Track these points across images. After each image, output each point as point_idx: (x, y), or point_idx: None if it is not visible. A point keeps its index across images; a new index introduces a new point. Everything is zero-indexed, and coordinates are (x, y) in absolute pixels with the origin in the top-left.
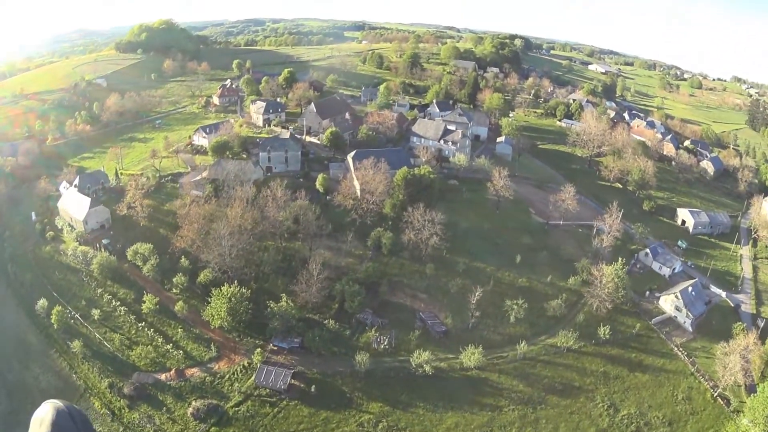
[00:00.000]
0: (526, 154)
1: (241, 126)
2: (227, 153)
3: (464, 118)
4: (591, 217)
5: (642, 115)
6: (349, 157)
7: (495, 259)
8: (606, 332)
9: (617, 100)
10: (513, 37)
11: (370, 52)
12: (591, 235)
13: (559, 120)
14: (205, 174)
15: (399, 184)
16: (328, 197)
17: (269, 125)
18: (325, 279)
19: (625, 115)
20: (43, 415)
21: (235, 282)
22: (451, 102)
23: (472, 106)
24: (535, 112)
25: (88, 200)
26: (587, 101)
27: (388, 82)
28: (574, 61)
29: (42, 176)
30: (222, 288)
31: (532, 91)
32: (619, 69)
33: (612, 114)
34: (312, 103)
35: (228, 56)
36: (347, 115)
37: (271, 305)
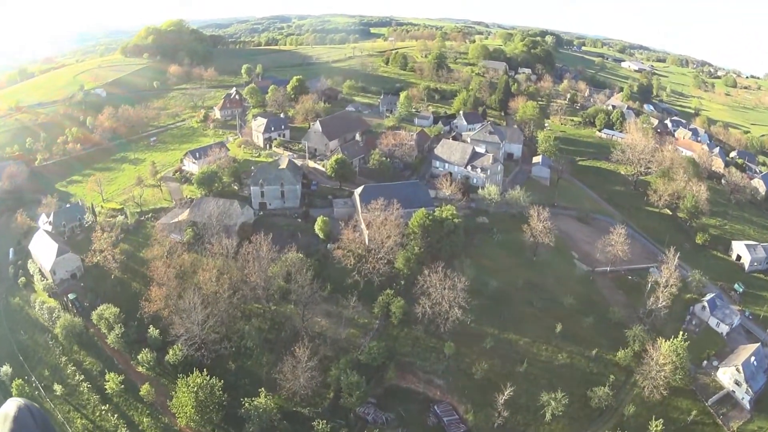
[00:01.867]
0: (566, 175)
1: (239, 146)
2: (216, 185)
3: (495, 137)
4: (641, 257)
5: (684, 122)
6: (357, 194)
7: (531, 328)
8: (658, 427)
9: (654, 101)
10: (543, 33)
11: (393, 52)
12: (643, 283)
13: (599, 130)
14: (184, 216)
15: (415, 232)
16: (329, 245)
17: (270, 146)
18: (319, 362)
19: (668, 122)
20: (7, 410)
21: (209, 361)
22: (480, 110)
23: (503, 113)
24: (572, 120)
25: (55, 247)
26: (628, 108)
27: (410, 88)
28: (607, 58)
29: (24, 206)
30: (188, 377)
31: (568, 96)
32: (652, 66)
33: (655, 122)
34: (318, 121)
35: (242, 58)
36: (358, 136)
37: (246, 404)
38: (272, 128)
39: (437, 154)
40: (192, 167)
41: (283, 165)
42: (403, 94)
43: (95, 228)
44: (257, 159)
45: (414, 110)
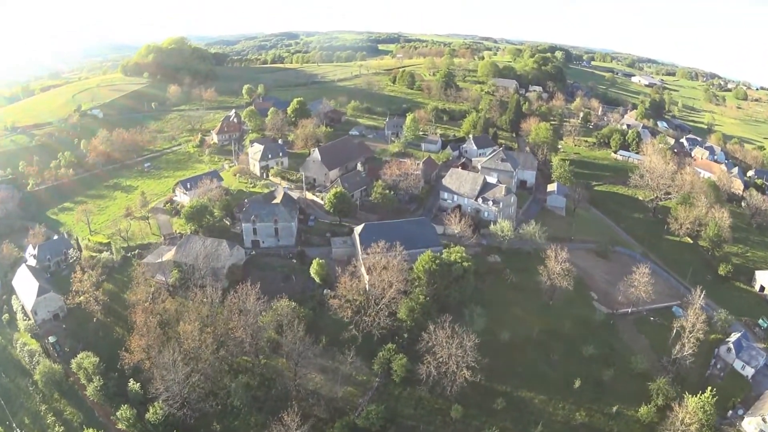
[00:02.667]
0: (583, 203)
1: (235, 175)
2: (206, 219)
3: (508, 165)
4: (663, 294)
5: (699, 139)
6: (357, 232)
7: (546, 384)
8: None
9: (667, 117)
10: (553, 48)
11: (401, 70)
12: (666, 325)
13: (615, 151)
14: (170, 256)
15: (420, 277)
16: (325, 291)
17: (266, 175)
18: (311, 428)
19: (683, 141)
20: None
21: (193, 421)
22: (491, 133)
23: (514, 135)
24: (586, 141)
25: (36, 286)
26: (644, 127)
27: (417, 110)
28: (617, 73)
29: (13, 234)
30: None
31: (581, 115)
32: (662, 80)
33: (671, 142)
34: (316, 149)
35: (245, 77)
36: (359, 165)
37: None
38: (269, 156)
39: (446, 185)
40: (183, 198)
41: (278, 198)
42: (409, 117)
43: (75, 268)
44: (252, 190)
45: (421, 133)
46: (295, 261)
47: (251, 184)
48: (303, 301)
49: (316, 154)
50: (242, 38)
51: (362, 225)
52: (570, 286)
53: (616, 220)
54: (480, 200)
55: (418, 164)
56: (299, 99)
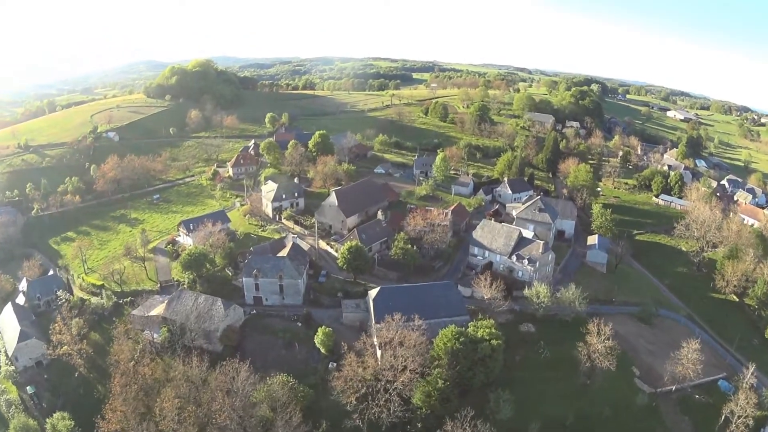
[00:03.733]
0: (626, 257)
1: (245, 215)
2: (206, 268)
3: (546, 216)
4: (708, 364)
5: (740, 180)
6: (371, 297)
7: None
8: None
9: (704, 154)
10: (589, 81)
11: (433, 102)
12: (712, 404)
13: (656, 195)
14: (159, 311)
15: (441, 356)
16: (331, 364)
17: (279, 218)
18: None
19: (725, 182)
20: None
21: None
22: (527, 175)
23: (550, 175)
24: (626, 183)
25: (17, 330)
26: (685, 168)
27: (449, 147)
28: (652, 107)
29: (12, 261)
30: None
31: (620, 154)
32: (696, 115)
33: (714, 185)
34: (333, 192)
35: (272, 103)
36: (380, 214)
37: None
38: (283, 196)
39: (476, 239)
40: (186, 240)
41: (286, 249)
42: (439, 156)
43: (57, 316)
44: (261, 234)
45: (452, 172)
46: (300, 324)
47: (261, 227)
48: (304, 376)
49: (332, 198)
50: (277, 62)
51: (377, 289)
52: (612, 366)
53: (659, 276)
54: (514, 258)
55: (446, 213)
56: (322, 132)
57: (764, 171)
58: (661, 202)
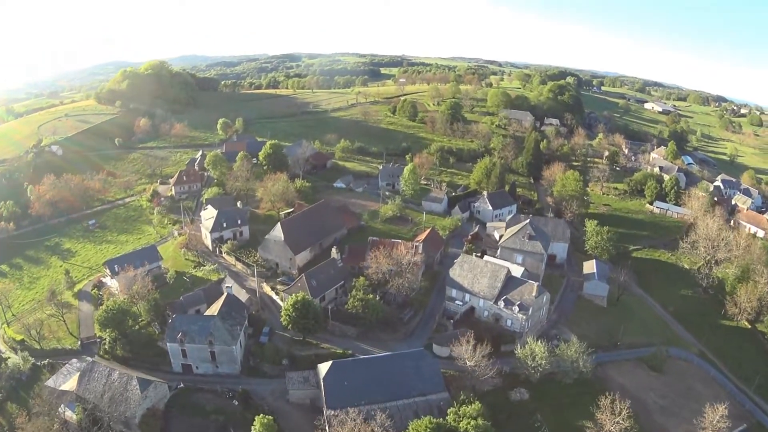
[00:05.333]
0: (630, 284)
1: (181, 248)
2: (128, 324)
3: (537, 244)
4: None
5: (734, 180)
6: (321, 374)
7: None
8: None
9: (688, 149)
10: (563, 74)
11: (402, 100)
12: None
13: (650, 202)
14: (71, 385)
15: None
16: None
17: (219, 251)
18: None
19: (719, 183)
20: None
21: None
22: (507, 185)
23: (531, 180)
24: (616, 188)
25: None
26: (679, 170)
27: (419, 153)
28: (629, 99)
29: None
30: None
31: (605, 154)
32: (675, 106)
33: (710, 188)
34: (279, 225)
35: (230, 106)
36: (334, 252)
37: None
38: (224, 224)
39: (454, 279)
40: (113, 284)
41: (218, 304)
42: (407, 169)
43: None
44: (196, 274)
45: (423, 182)
46: (236, 402)
47: (197, 265)
48: None
49: (277, 231)
50: (244, 59)
51: (329, 364)
52: None
53: (662, 301)
54: (501, 303)
55: (416, 247)
56: (273, 142)
57: (751, 165)
58: (656, 210)
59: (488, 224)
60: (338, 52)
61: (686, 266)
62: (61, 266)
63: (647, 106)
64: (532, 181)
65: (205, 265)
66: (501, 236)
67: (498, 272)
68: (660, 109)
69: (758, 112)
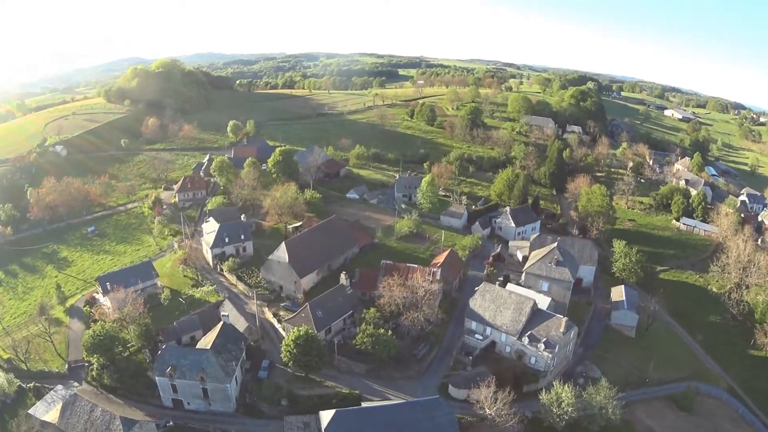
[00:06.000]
0: (660, 312)
1: (179, 264)
2: (117, 350)
3: (565, 271)
4: None
5: (759, 194)
6: (323, 422)
7: None
8: None
9: (710, 158)
10: (584, 79)
11: (420, 103)
12: None
13: (677, 218)
14: (53, 417)
15: None
16: None
17: (220, 269)
18: None
19: (744, 198)
20: None
21: None
22: (530, 196)
23: (554, 192)
24: (641, 202)
25: None
26: (705, 184)
27: (437, 162)
28: (649, 106)
29: None
30: None
31: (629, 164)
32: (694, 114)
33: (737, 203)
34: (283, 244)
35: (244, 105)
36: (343, 277)
37: None
38: (226, 239)
39: (475, 311)
40: (106, 301)
41: (213, 333)
42: (425, 180)
43: None
44: (194, 294)
45: (442, 193)
46: None
47: (195, 283)
48: None
49: (282, 251)
50: (261, 58)
51: (331, 414)
52: None
53: (690, 329)
54: (526, 340)
55: (434, 273)
56: (283, 148)
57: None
58: (683, 227)
59: (510, 243)
60: (356, 53)
61: (714, 289)
62: (56, 277)
63: (667, 113)
64: (554, 192)
65: (203, 285)
66: (524, 257)
67: (523, 304)
68: (680, 116)
69: None
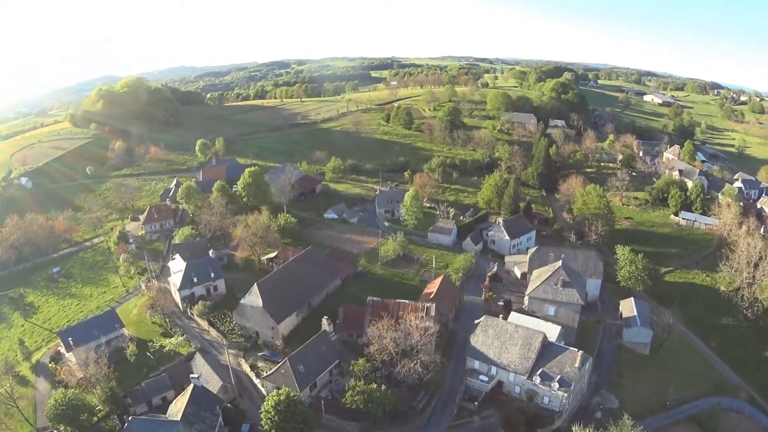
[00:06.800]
0: (676, 325)
1: (147, 310)
2: (83, 417)
3: (573, 292)
4: None
5: (753, 179)
6: None
7: None
8: None
9: (696, 142)
10: (559, 69)
11: (395, 106)
12: None
13: (675, 213)
14: None
15: None
16: None
17: (190, 312)
18: None
19: (739, 184)
20: None
21: None
22: (522, 204)
23: (544, 193)
24: (636, 198)
25: None
26: (700, 174)
27: (418, 172)
28: (628, 92)
29: None
30: None
31: (619, 157)
32: (673, 97)
33: (735, 191)
34: (256, 287)
35: (214, 120)
36: (325, 322)
37: None
38: (194, 278)
39: (477, 349)
40: (71, 357)
41: (183, 399)
42: (408, 195)
43: None
44: (164, 346)
45: (427, 205)
46: None
47: (165, 331)
48: None
49: (254, 295)
50: (233, 69)
51: None
52: None
53: (702, 336)
54: (537, 379)
55: (428, 309)
56: (252, 169)
57: (760, 157)
58: (683, 222)
59: (507, 259)
60: (327, 57)
61: (723, 288)
62: (22, 326)
63: (647, 98)
64: (544, 194)
65: (173, 334)
66: (522, 273)
67: (531, 339)
68: (660, 101)
69: (758, 99)
